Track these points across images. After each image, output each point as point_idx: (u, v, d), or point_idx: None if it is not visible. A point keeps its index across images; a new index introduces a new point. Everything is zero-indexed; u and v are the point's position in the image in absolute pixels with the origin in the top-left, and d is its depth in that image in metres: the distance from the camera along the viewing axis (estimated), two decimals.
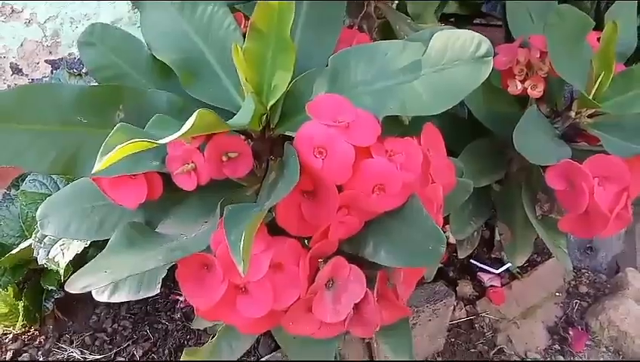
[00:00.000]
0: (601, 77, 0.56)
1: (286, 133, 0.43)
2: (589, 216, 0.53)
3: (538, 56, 0.54)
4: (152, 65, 0.46)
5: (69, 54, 1.25)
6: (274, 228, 0.38)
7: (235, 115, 0.45)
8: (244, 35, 0.47)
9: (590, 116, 0.58)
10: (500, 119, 0.59)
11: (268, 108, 0.41)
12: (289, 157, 0.36)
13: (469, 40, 0.34)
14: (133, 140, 0.27)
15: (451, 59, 0.35)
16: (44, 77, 1.24)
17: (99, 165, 0.27)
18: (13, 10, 1.17)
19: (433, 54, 0.36)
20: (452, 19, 0.98)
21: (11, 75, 1.22)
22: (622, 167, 0.51)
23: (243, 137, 0.42)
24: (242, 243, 0.30)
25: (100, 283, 0.32)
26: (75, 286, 0.32)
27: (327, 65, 0.43)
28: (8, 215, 0.66)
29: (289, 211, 0.36)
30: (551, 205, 0.60)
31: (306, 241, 0.39)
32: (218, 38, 0.45)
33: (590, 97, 0.56)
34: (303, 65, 0.43)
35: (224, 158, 0.38)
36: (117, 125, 0.30)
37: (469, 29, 0.36)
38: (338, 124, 0.35)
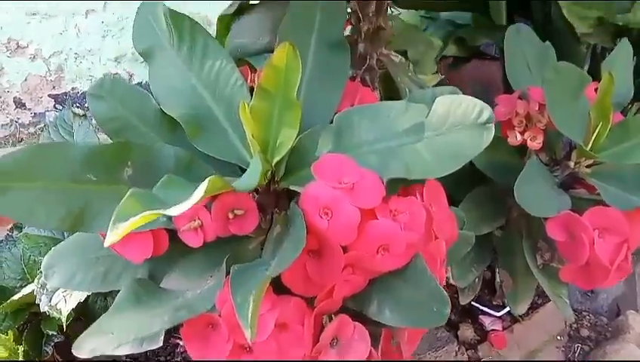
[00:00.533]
0: (598, 128, 0.57)
1: (291, 188, 0.43)
2: (590, 268, 0.53)
3: (537, 108, 0.55)
4: (159, 117, 0.47)
5: (73, 88, 1.27)
6: (278, 285, 0.39)
7: (241, 168, 0.47)
8: (250, 89, 0.48)
9: (589, 166, 0.59)
10: (500, 167, 0.60)
11: (273, 164, 0.42)
12: (295, 219, 0.36)
13: (471, 106, 0.35)
14: (145, 213, 0.27)
15: (454, 124, 0.36)
16: (47, 110, 1.25)
17: (112, 237, 0.27)
18: (18, 46, 1.19)
19: (436, 118, 0.37)
20: (451, 61, 1.00)
21: (14, 109, 1.23)
22: (621, 220, 0.52)
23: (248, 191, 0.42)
24: (250, 308, 0.30)
25: (106, 347, 0.32)
26: (83, 350, 0.32)
27: (331, 122, 0.44)
28: (10, 257, 0.66)
29: (294, 271, 0.37)
30: (551, 254, 0.60)
31: (310, 299, 0.39)
32: (225, 93, 0.46)
33: (588, 148, 0.57)
34: (308, 118, 0.44)
35: (230, 216, 0.39)
36: (128, 192, 0.30)
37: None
38: (343, 185, 0.36)
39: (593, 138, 0.57)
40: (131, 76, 1.30)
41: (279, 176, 0.44)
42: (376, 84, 0.58)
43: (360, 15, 0.49)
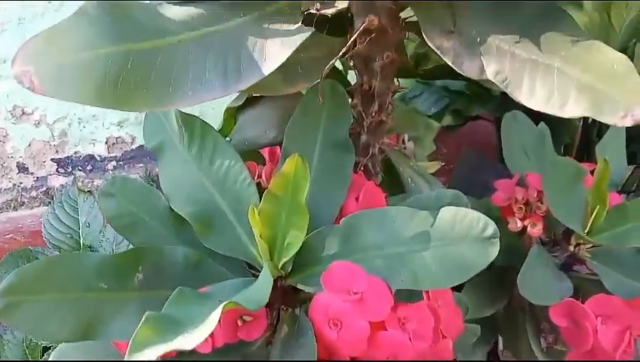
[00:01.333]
0: (596, 211, 0.58)
1: (298, 286, 0.44)
2: (595, 353, 0.54)
3: (535, 195, 0.56)
4: (169, 214, 0.48)
5: (75, 152, 1.29)
6: None
7: (249, 265, 0.47)
8: (258, 185, 0.49)
9: (589, 248, 0.60)
10: (501, 250, 0.60)
11: (280, 265, 0.43)
12: (305, 330, 0.37)
13: (475, 220, 0.37)
14: (160, 349, 0.28)
15: (459, 235, 0.37)
16: (50, 174, 1.27)
17: None
18: (23, 113, 1.21)
19: (442, 227, 0.38)
20: (446, 129, 1.02)
21: (17, 174, 1.25)
22: (623, 308, 0.52)
23: None
24: None
25: None
26: None
27: (338, 220, 0.45)
28: (12, 339, 0.66)
29: None
30: (555, 336, 0.60)
31: None
32: (233, 190, 0.47)
33: (587, 230, 0.58)
34: (314, 214, 0.45)
35: (239, 322, 0.39)
36: (143, 317, 0.31)
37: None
38: (352, 296, 0.37)
39: (591, 221, 0.58)
40: (134, 139, 1.32)
41: (286, 273, 0.45)
42: (378, 168, 0.60)
43: (363, 113, 0.51)
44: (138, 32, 0.34)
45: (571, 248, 0.60)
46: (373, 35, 0.45)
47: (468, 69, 0.39)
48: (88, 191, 0.78)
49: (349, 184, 0.48)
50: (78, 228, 0.78)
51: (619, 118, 0.31)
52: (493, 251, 0.36)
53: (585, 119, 0.92)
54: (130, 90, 0.33)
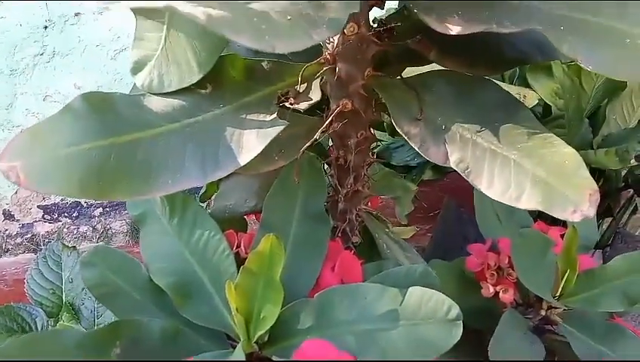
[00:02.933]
0: (566, 276, 0.60)
1: (273, 359, 0.45)
2: None
3: (507, 261, 0.58)
4: (149, 284, 0.49)
5: (62, 199, 1.29)
6: None
7: (227, 335, 0.49)
8: (236, 255, 0.51)
9: (560, 313, 0.62)
10: (474, 313, 0.62)
11: (256, 338, 0.44)
12: None
13: (440, 302, 0.38)
14: None
15: (426, 316, 0.39)
16: (35, 221, 1.27)
17: None
18: None
19: (410, 307, 0.40)
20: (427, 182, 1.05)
21: (3, 221, 1.25)
22: None
23: None
24: None
25: None
26: None
27: (314, 290, 0.46)
28: None
29: None
30: None
31: None
32: (212, 261, 0.49)
33: (557, 294, 0.60)
34: (290, 286, 0.47)
35: None
36: None
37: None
38: None
39: (562, 286, 0.60)
40: None
41: (262, 344, 0.46)
42: (356, 231, 0.61)
43: (339, 186, 0.53)
44: (121, 126, 0.36)
45: (543, 312, 0.61)
46: (347, 117, 0.48)
47: (433, 156, 0.41)
48: (72, 246, 0.79)
49: (324, 255, 0.49)
50: (61, 284, 0.78)
51: (569, 214, 0.34)
52: (457, 333, 0.38)
53: None
54: (113, 182, 0.34)
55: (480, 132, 0.41)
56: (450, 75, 0.45)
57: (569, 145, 0.84)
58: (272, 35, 0.24)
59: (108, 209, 1.34)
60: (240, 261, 0.51)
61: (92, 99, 0.36)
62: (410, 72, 0.48)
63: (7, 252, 1.25)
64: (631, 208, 1.07)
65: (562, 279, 0.61)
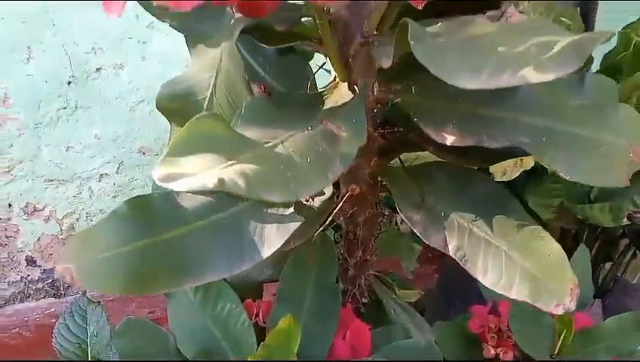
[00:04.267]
0: (562, 335, 0.64)
1: None
2: None
3: (506, 324, 0.62)
4: (175, 352, 0.54)
5: None
6: None
7: None
8: (255, 325, 0.55)
9: None
10: None
11: None
12: None
13: None
14: None
15: None
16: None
17: None
18: (35, 209, 1.28)
19: None
20: None
21: (25, 267, 1.30)
22: None
23: None
24: None
25: None
26: None
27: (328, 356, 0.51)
28: None
29: None
30: None
31: None
32: (234, 332, 0.53)
33: (555, 352, 0.64)
34: (305, 356, 0.51)
35: None
36: None
37: None
38: None
39: (559, 345, 0.64)
40: None
41: None
42: (365, 295, 0.66)
43: (349, 258, 0.57)
44: (157, 226, 0.41)
45: None
46: (356, 199, 0.53)
47: (434, 241, 0.46)
48: (97, 302, 0.83)
49: (336, 326, 0.54)
50: (87, 338, 0.83)
51: (553, 307, 0.38)
52: None
53: (561, 229, 0.99)
54: (151, 277, 0.39)
55: (475, 221, 0.45)
56: (448, 166, 0.50)
57: (566, 197, 0.88)
58: (296, 182, 0.29)
59: None
60: (258, 329, 0.56)
61: (134, 203, 0.41)
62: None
63: (28, 297, 1.30)
64: (630, 253, 1.10)
65: (559, 339, 0.65)
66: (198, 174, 0.26)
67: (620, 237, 1.05)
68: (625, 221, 0.79)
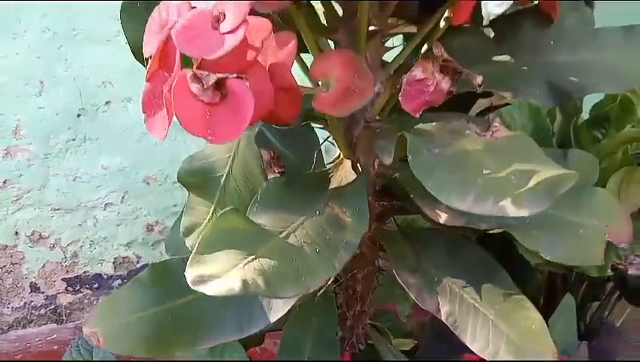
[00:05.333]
0: None
1: None
2: None
3: None
4: None
5: (84, 272, 1.38)
6: None
7: None
8: None
9: None
10: None
11: None
12: None
13: None
14: None
15: None
16: (59, 293, 1.36)
17: None
18: (40, 237, 1.32)
19: None
20: None
21: (29, 293, 1.33)
22: None
23: None
24: None
25: None
26: None
27: None
28: None
29: None
30: None
31: None
32: None
33: None
34: None
35: None
36: None
37: None
38: None
39: None
40: (139, 259, 1.42)
41: None
42: (362, 341, 0.70)
43: (348, 312, 0.61)
44: (175, 290, 0.45)
45: None
46: (355, 258, 0.57)
47: (428, 305, 0.50)
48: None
49: None
50: None
51: None
52: None
53: (549, 272, 1.04)
54: (169, 339, 0.43)
55: (465, 288, 0.49)
56: (443, 232, 0.54)
57: None
58: (307, 274, 0.33)
59: (126, 280, 1.42)
60: None
61: (154, 270, 0.45)
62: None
63: (31, 322, 1.33)
64: (616, 294, 1.14)
65: None
66: (224, 276, 0.30)
67: (606, 280, 1.09)
68: (609, 271, 0.83)
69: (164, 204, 1.42)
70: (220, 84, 0.27)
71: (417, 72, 0.36)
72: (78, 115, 1.30)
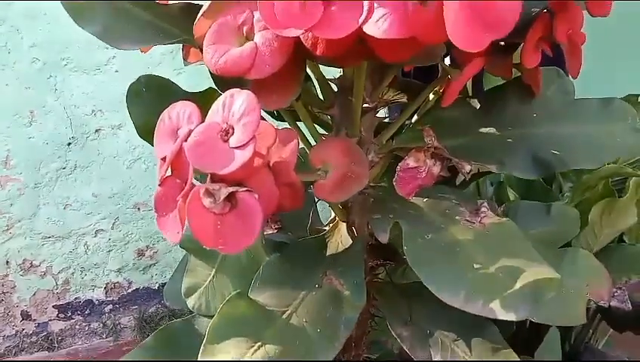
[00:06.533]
0: None
1: None
2: None
3: None
4: None
5: (76, 298, 1.39)
6: None
7: None
8: None
9: None
10: None
11: None
12: None
13: None
14: None
15: None
16: (50, 320, 1.36)
17: None
18: (31, 265, 1.32)
19: None
20: None
21: (20, 321, 1.33)
22: None
23: None
24: None
25: None
26: None
27: None
28: None
29: None
30: None
31: None
32: None
33: None
34: None
35: None
36: None
37: None
38: None
39: None
40: (130, 283, 1.43)
41: None
42: None
43: (342, 356, 0.63)
44: (179, 352, 0.47)
45: None
46: None
47: (420, 357, 0.52)
48: None
49: None
50: None
51: None
52: None
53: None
54: None
55: (456, 341, 0.52)
56: None
57: None
58: (309, 356, 0.35)
59: (117, 305, 1.43)
60: None
61: (159, 336, 0.47)
62: None
63: (22, 351, 1.33)
64: (598, 316, 1.18)
65: None
66: None
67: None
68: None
69: (155, 228, 1.43)
70: (230, 196, 0.29)
71: (410, 161, 0.38)
72: (69, 144, 1.31)
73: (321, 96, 0.48)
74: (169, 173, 0.32)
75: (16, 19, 1.22)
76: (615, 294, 0.90)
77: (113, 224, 1.39)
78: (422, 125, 0.48)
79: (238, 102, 0.31)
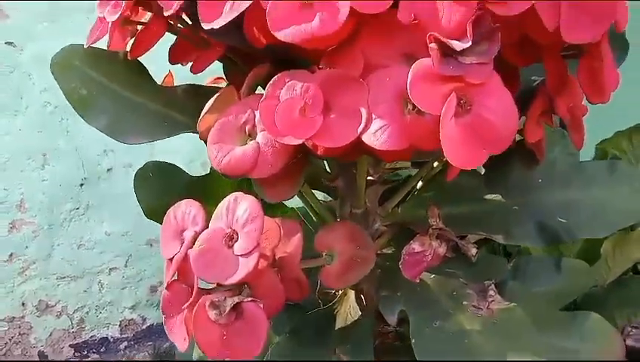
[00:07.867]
0: None
1: None
2: None
3: None
4: None
5: (91, 337, 1.40)
6: None
7: None
8: None
9: None
10: None
11: None
12: None
13: None
14: None
15: None
16: (67, 359, 1.37)
17: None
18: (47, 306, 1.33)
19: None
20: None
21: None
22: None
23: None
24: None
25: None
26: None
27: None
28: None
29: None
30: None
31: None
32: None
33: None
34: None
35: None
36: None
37: None
38: None
39: None
40: (144, 320, 1.44)
41: None
42: None
43: None
44: None
45: None
46: None
47: None
48: None
49: None
50: None
51: None
52: None
53: None
54: None
55: None
56: None
57: None
58: None
59: (132, 342, 1.43)
60: None
61: None
62: None
63: None
64: None
65: None
66: None
67: None
68: None
69: None
70: (235, 306, 0.30)
71: (416, 246, 0.39)
72: (81, 185, 1.32)
73: (327, 168, 0.48)
74: (175, 276, 0.33)
75: (27, 65, 1.24)
76: (631, 333, 0.88)
77: (127, 261, 1.40)
78: (426, 192, 0.48)
79: (241, 207, 0.31)
